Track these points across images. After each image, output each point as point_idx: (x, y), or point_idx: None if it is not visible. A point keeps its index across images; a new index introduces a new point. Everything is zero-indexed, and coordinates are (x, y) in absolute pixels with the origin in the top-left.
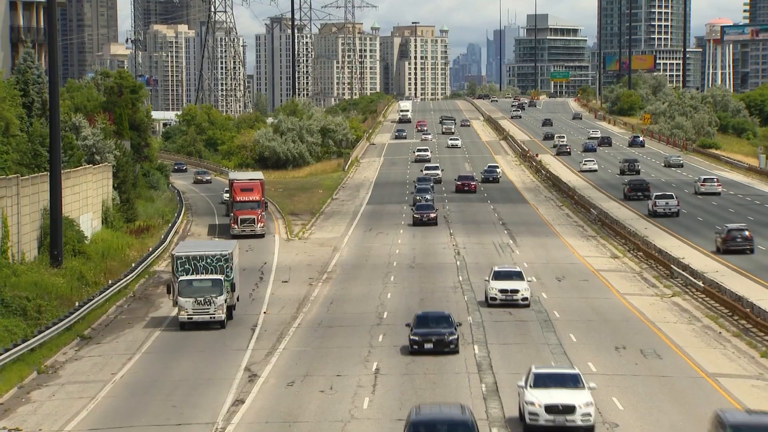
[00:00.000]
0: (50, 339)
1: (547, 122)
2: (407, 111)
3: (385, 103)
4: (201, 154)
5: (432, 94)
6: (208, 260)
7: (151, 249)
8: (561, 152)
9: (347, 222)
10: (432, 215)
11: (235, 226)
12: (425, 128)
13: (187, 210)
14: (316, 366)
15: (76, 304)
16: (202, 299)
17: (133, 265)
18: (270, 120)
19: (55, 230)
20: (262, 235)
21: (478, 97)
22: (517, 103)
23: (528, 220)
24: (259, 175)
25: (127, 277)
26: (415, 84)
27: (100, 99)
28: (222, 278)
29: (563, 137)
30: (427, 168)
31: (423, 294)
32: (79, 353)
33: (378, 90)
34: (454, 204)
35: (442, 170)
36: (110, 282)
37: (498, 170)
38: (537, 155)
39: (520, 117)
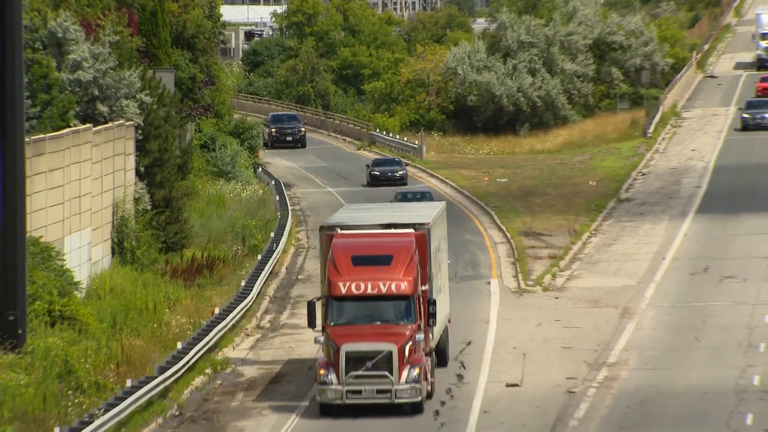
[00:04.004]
0: None
1: None
2: None
3: None
4: (327, 103)
5: None
6: None
7: (217, 311)
8: None
9: (653, 251)
10: None
11: (336, 384)
12: None
13: (299, 222)
14: None
15: None
16: None
17: (180, 345)
18: (480, 25)
19: (12, 270)
20: (418, 408)
21: None
22: None
23: None
24: (418, 215)
25: (167, 375)
26: None
27: None
28: None
29: None
30: None
31: None
32: None
33: None
34: None
35: None
36: (131, 384)
37: None
38: None
39: None
